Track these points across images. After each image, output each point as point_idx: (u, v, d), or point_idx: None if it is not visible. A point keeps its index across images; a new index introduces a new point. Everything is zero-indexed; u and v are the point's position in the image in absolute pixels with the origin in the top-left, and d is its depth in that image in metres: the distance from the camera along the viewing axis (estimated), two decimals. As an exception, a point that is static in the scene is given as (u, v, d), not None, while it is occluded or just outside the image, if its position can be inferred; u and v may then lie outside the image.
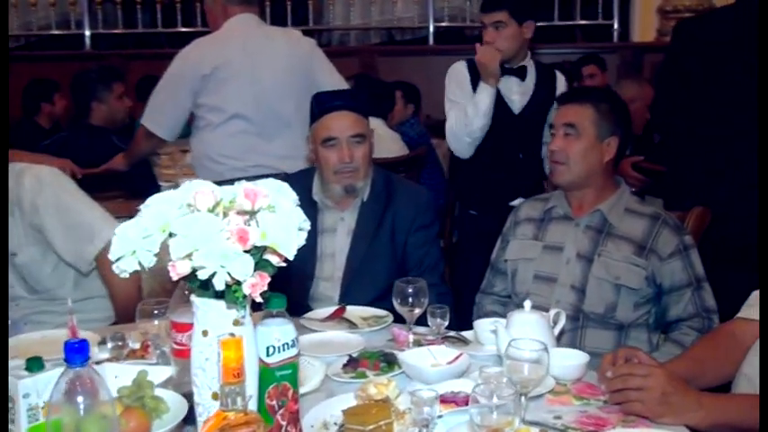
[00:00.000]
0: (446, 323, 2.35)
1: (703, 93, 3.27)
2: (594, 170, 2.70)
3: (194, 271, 1.48)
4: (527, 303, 2.26)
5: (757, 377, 2.03)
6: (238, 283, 1.49)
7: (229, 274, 1.46)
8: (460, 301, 3.01)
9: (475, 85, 3.72)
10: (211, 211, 1.53)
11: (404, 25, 7.93)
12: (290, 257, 1.50)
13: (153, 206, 1.53)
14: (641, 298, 2.59)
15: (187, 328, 1.87)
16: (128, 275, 1.51)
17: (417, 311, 2.36)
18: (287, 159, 3.78)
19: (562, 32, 7.88)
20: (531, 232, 2.79)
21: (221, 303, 1.56)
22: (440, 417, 1.82)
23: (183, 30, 7.68)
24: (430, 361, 2.16)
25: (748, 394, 1.96)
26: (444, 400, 1.92)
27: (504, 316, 2.69)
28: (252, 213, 1.53)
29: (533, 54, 3.91)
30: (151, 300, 2.24)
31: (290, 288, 2.75)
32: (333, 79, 3.97)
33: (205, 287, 1.54)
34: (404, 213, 2.95)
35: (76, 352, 1.27)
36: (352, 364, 2.21)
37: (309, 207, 2.88)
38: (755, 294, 2.22)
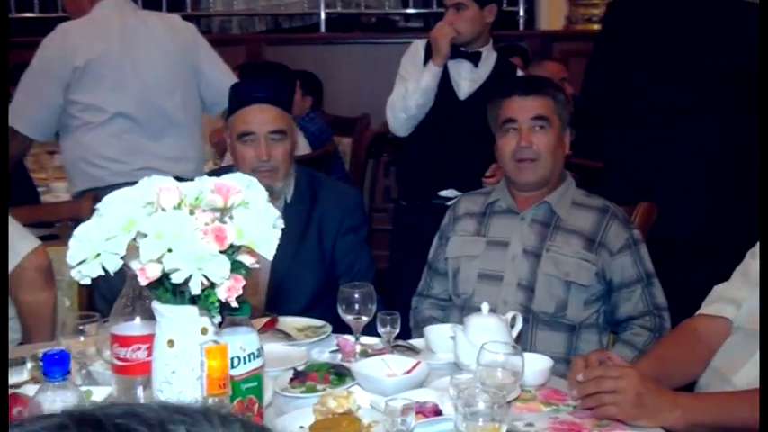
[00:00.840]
0: (397, 331, 2.42)
1: (635, 79, 3.48)
2: (559, 165, 2.84)
3: (164, 275, 1.51)
4: (485, 306, 2.36)
5: (726, 368, 2.20)
6: (211, 286, 1.53)
7: (206, 276, 1.49)
8: (390, 304, 3.09)
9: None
10: (177, 209, 1.57)
11: (292, 11, 7.97)
12: (269, 257, 1.55)
13: (113, 205, 1.56)
14: (591, 295, 2.73)
15: (131, 341, 1.89)
16: (89, 282, 1.52)
17: (365, 319, 2.43)
18: (178, 161, 3.79)
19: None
20: (472, 228, 2.89)
21: (189, 310, 1.59)
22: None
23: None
24: (385, 371, 2.24)
25: (725, 392, 2.11)
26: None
27: (443, 321, 2.82)
28: (223, 210, 1.57)
29: (496, 43, 4.10)
30: (74, 314, 2.23)
31: None
32: (220, 70, 4.01)
33: (172, 293, 1.57)
34: (331, 215, 3.01)
35: (56, 364, 1.29)
36: (300, 377, 2.26)
37: None
38: (717, 290, 2.39)
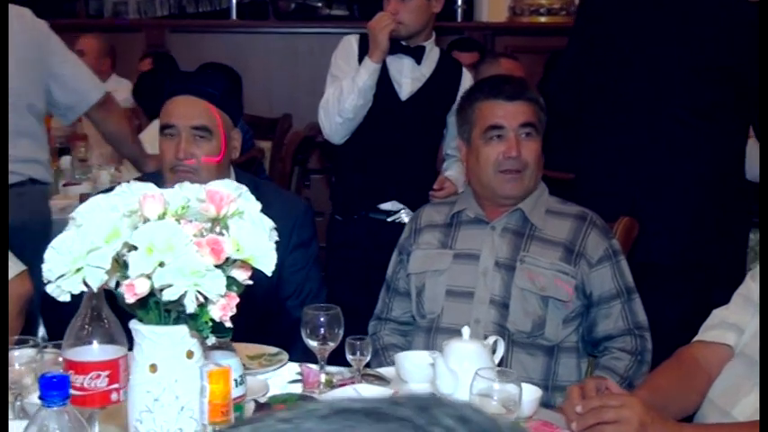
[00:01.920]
0: (368, 358, 2.51)
1: (615, 78, 3.64)
2: (540, 174, 2.96)
3: (150, 292, 1.58)
4: (465, 330, 2.47)
5: (725, 401, 2.34)
6: (203, 305, 1.61)
7: (200, 293, 1.57)
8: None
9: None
10: (161, 219, 1.64)
11: (199, -6, 8.00)
12: (269, 273, 1.62)
13: (93, 213, 1.62)
14: (570, 312, 2.83)
15: (89, 368, 1.94)
16: (68, 299, 1.58)
17: (331, 345, 2.51)
18: (32, 164, 3.89)
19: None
20: (436, 240, 2.99)
21: (175, 331, 1.66)
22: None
23: None
24: (358, 401, 2.32)
25: (729, 424, 2.25)
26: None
27: (405, 348, 2.91)
28: (215, 221, 1.65)
29: (439, 39, 4.20)
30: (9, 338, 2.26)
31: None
32: (76, 72, 4.09)
33: (157, 312, 1.64)
34: (278, 228, 3.08)
35: (55, 388, 1.35)
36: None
37: None
38: (716, 315, 2.52)
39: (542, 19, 7.59)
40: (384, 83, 3.97)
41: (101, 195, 1.67)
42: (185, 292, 1.56)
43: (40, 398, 1.38)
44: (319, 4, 8.22)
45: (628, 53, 3.63)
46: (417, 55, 4.04)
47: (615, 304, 2.84)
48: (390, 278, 3.08)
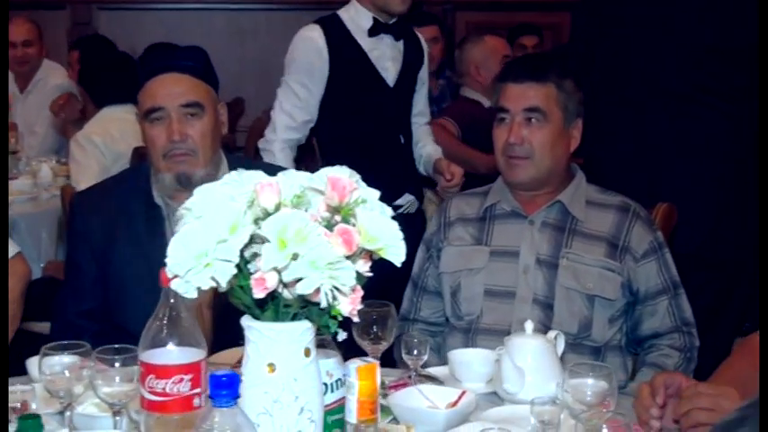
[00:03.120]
0: (425, 357, 2.62)
1: (630, 56, 3.77)
2: (561, 163, 3.05)
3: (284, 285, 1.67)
4: (528, 325, 2.59)
5: None
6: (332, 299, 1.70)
7: (336, 287, 1.66)
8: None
9: (335, 65, 4.02)
10: (278, 209, 1.73)
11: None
12: (399, 264, 1.72)
13: (210, 204, 1.70)
14: (616, 311, 2.97)
15: (172, 371, 2.01)
16: (195, 295, 1.66)
17: (384, 344, 2.60)
18: None
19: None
20: (470, 235, 3.09)
21: (294, 328, 1.75)
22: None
23: None
24: (425, 403, 2.43)
25: None
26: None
27: (436, 349, 3.02)
28: (336, 209, 1.74)
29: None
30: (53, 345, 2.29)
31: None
32: None
33: (274, 308, 1.73)
34: None
35: (225, 387, 1.43)
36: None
37: (152, 214, 3.03)
38: None
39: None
40: (369, 72, 4.07)
41: (210, 185, 1.75)
42: (320, 285, 1.64)
43: (210, 397, 1.46)
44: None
45: (635, 32, 3.77)
46: (396, 32, 4.14)
47: (662, 300, 2.98)
48: (417, 276, 3.17)
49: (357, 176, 1.80)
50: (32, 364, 2.45)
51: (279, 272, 1.65)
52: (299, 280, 1.66)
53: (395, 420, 2.36)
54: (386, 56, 4.11)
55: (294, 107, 4.04)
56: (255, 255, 1.69)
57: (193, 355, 2.03)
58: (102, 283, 3.02)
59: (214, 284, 1.66)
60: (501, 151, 3.04)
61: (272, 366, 1.74)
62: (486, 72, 5.45)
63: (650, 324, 3.00)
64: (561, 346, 2.65)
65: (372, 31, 4.06)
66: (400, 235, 1.73)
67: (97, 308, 3.02)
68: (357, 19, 4.09)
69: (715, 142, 3.71)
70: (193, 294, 1.66)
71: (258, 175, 1.76)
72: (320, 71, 4.02)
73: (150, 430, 2.00)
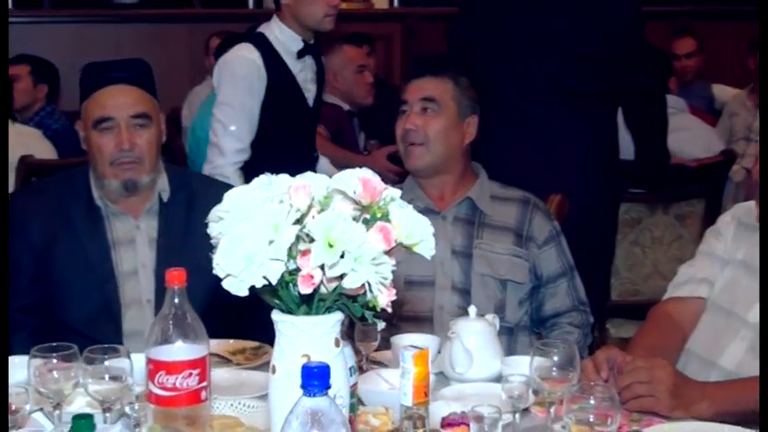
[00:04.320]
0: (375, 344, 2.60)
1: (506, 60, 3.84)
2: (455, 153, 3.10)
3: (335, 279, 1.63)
4: (472, 309, 2.61)
5: (709, 352, 2.60)
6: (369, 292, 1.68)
7: (380, 282, 1.64)
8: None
9: (269, 86, 3.87)
10: (309, 210, 1.69)
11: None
12: (429, 257, 1.71)
13: (250, 207, 1.65)
14: (524, 294, 3.06)
15: (181, 367, 1.96)
16: (246, 293, 1.61)
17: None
18: None
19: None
20: None
21: (326, 321, 1.72)
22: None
23: None
24: (385, 386, 2.42)
25: (742, 379, 2.50)
26: (451, 423, 2.20)
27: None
28: (365, 208, 1.71)
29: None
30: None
31: (96, 321, 2.83)
32: None
33: (307, 302, 1.69)
34: None
35: (317, 378, 1.39)
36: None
37: (92, 215, 2.96)
38: (684, 272, 2.80)
39: (341, 5, 7.73)
40: (296, 94, 3.99)
41: (244, 188, 1.70)
42: (366, 280, 1.61)
43: (302, 387, 1.42)
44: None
45: (512, 37, 3.84)
46: (315, 51, 4.07)
47: (561, 283, 3.09)
48: None
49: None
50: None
51: (323, 269, 1.62)
52: (343, 276, 1.62)
53: (361, 402, 2.34)
54: (308, 77, 4.04)
55: (240, 128, 3.86)
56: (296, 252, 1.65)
57: (199, 350, 2.00)
58: (42, 280, 2.93)
59: (265, 282, 1.60)
60: (401, 139, 3.10)
61: (307, 357, 1.70)
62: (343, 79, 5.46)
63: (552, 304, 3.09)
64: (497, 328, 2.68)
65: (300, 53, 3.95)
66: (431, 230, 1.72)
67: (35, 304, 2.93)
68: (284, 39, 3.94)
69: (579, 138, 3.81)
70: (245, 292, 1.61)
71: (289, 178, 1.71)
72: (259, 91, 3.87)
73: (159, 424, 1.93)
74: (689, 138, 4.90)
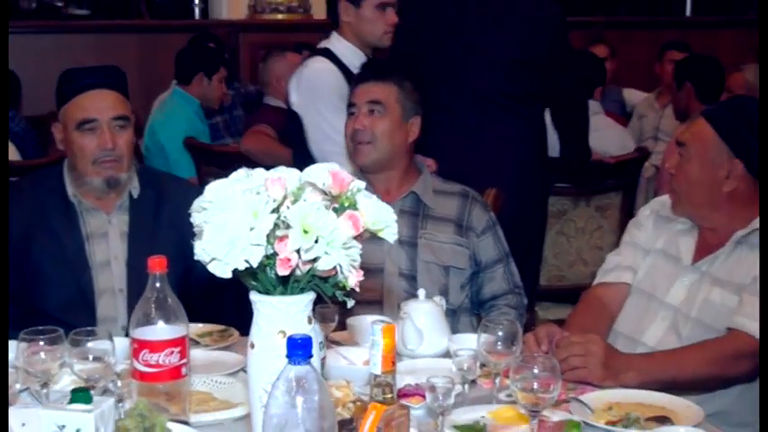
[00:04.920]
0: (333, 324, 2.66)
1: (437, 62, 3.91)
2: (400, 151, 3.16)
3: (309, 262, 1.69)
4: (421, 292, 2.68)
5: (633, 331, 2.71)
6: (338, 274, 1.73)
7: (350, 264, 1.69)
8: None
9: None
10: (283, 201, 1.74)
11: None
12: (392, 241, 1.77)
13: (230, 199, 1.70)
14: (465, 279, 3.14)
15: (164, 345, 2.01)
16: (230, 275, 1.66)
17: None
18: None
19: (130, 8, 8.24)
20: None
21: (300, 300, 1.77)
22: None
23: None
24: (343, 362, 2.48)
25: (662, 352, 2.61)
26: (407, 393, 2.26)
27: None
28: (334, 198, 1.77)
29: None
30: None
31: (71, 308, 2.86)
32: None
33: (283, 283, 1.75)
34: (183, 209, 3.13)
35: (300, 348, 1.45)
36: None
37: (67, 210, 3.00)
38: (611, 261, 2.91)
39: (280, 16, 7.80)
40: None
41: (224, 181, 1.75)
42: (338, 263, 1.67)
43: (287, 356, 1.47)
44: (60, 4, 8.01)
45: (449, 45, 3.91)
46: None
47: (498, 268, 3.17)
48: None
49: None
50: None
51: (299, 253, 1.67)
52: (316, 259, 1.68)
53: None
54: None
55: (338, 133, 3.64)
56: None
57: (179, 330, 2.06)
58: (20, 272, 2.95)
59: (247, 265, 1.66)
60: (350, 138, 3.16)
61: (283, 333, 1.75)
62: (287, 83, 5.47)
63: (490, 288, 3.17)
64: (444, 308, 2.75)
65: None
66: (394, 217, 1.78)
67: (14, 293, 2.94)
68: (349, 55, 3.94)
69: (511, 137, 3.90)
70: (228, 274, 1.66)
71: (264, 171, 1.77)
72: (344, 97, 3.62)
73: (143, 398, 1.97)
74: (606, 137, 5.02)
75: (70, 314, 2.86)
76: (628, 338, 2.74)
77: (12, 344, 2.29)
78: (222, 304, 2.81)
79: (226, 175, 1.79)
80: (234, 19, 7.84)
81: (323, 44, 4.06)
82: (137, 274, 2.93)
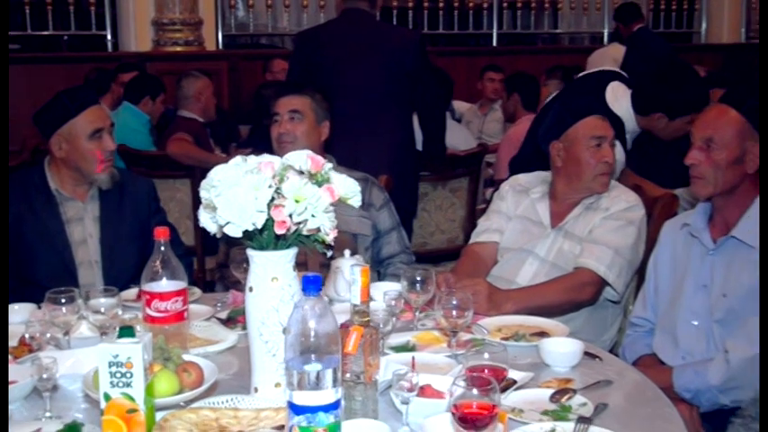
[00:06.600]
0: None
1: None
2: (315, 148, 3.21)
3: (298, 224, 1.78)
4: (347, 252, 2.77)
5: (507, 274, 2.88)
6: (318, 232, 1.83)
7: (330, 224, 1.79)
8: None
9: None
10: (273, 179, 1.83)
11: None
12: (357, 206, 1.88)
13: (236, 179, 1.77)
14: (369, 243, 3.25)
15: (170, 295, 2.07)
16: (240, 235, 1.73)
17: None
18: None
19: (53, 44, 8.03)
20: None
21: (289, 253, 1.85)
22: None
23: None
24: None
25: (531, 286, 2.79)
26: (346, 325, 2.36)
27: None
28: (312, 175, 1.86)
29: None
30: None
31: (58, 277, 2.86)
32: None
33: (274, 241, 1.83)
34: (141, 197, 3.18)
35: (312, 283, 1.54)
36: (230, 323, 2.50)
37: (49, 200, 3.02)
38: (481, 224, 3.10)
39: (179, 48, 7.72)
40: None
41: (226, 165, 1.82)
42: (321, 224, 1.77)
43: (302, 290, 1.55)
44: None
45: (335, 80, 4.04)
46: None
47: (393, 234, 3.30)
48: None
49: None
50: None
51: (291, 217, 1.76)
52: (305, 221, 1.77)
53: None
54: None
55: None
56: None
57: (181, 284, 2.12)
58: (14, 250, 2.96)
59: (252, 227, 1.73)
60: (276, 140, 3.20)
61: (275, 279, 1.83)
62: (205, 99, 5.49)
63: (387, 250, 3.30)
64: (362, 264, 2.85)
65: None
66: (358, 188, 1.88)
67: (11, 267, 2.95)
68: None
69: (392, 134, 4.05)
70: (239, 234, 1.73)
71: (256, 158, 1.84)
72: None
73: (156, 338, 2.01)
74: (455, 136, 5.21)
75: (57, 283, 2.83)
76: (505, 280, 2.90)
77: (21, 306, 2.42)
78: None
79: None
80: (141, 51, 7.69)
81: None
82: (108, 248, 3.00)
